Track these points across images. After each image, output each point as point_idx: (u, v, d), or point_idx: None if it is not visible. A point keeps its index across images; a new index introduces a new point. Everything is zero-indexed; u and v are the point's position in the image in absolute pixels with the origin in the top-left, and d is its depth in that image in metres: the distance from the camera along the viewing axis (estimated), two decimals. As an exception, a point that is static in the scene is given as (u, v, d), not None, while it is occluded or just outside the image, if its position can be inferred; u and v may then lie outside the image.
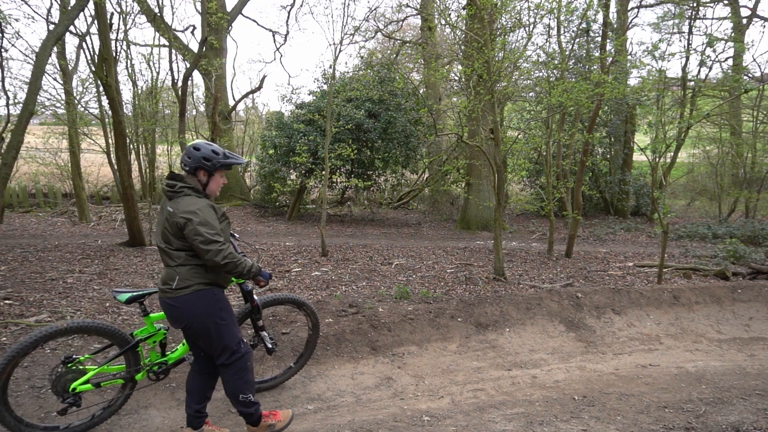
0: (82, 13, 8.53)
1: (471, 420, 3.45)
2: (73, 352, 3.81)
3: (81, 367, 3.07)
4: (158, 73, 15.92)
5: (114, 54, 8.48)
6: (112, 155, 10.82)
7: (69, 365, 3.04)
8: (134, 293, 3.17)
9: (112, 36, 8.53)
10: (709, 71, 8.07)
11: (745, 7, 14.04)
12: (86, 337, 4.02)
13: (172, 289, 2.86)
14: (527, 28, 7.21)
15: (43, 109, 12.37)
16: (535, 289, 6.19)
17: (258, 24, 45.54)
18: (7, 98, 9.52)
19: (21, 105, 6.61)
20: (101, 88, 10.33)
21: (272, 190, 12.50)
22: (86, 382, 3.05)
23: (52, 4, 13.85)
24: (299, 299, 3.88)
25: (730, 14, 13.32)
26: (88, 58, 11.89)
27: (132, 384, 3.27)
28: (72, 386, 3.00)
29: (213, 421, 3.36)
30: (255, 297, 3.49)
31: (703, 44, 6.16)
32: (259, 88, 14.42)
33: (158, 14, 9.93)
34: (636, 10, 13.99)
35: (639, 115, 13.83)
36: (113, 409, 3.25)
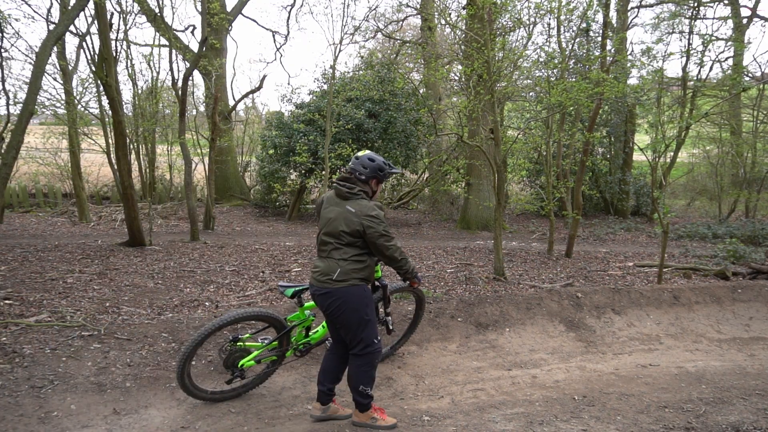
0: (82, 13, 8.54)
1: (471, 420, 3.45)
2: (238, 333, 4.13)
3: (244, 345, 3.61)
4: (158, 73, 15.96)
5: (114, 54, 8.49)
6: (112, 155, 10.83)
7: (236, 344, 3.59)
8: (296, 288, 3.68)
9: (112, 36, 8.53)
10: (710, 71, 8.08)
11: (745, 7, 14.06)
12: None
13: (332, 280, 3.17)
14: (527, 28, 7.21)
15: (43, 109, 12.37)
16: (535, 289, 6.19)
17: (258, 24, 45.60)
18: (7, 98, 9.52)
19: (21, 105, 6.61)
20: (101, 88, 10.35)
21: (272, 190, 12.51)
22: (251, 359, 3.62)
23: (52, 4, 13.86)
24: (419, 291, 4.39)
25: (730, 14, 13.32)
26: (88, 58, 11.91)
27: (281, 360, 3.85)
28: (241, 363, 3.58)
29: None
30: (389, 288, 3.99)
31: (702, 44, 6.16)
32: (259, 88, 14.37)
33: (158, 14, 9.93)
34: (636, 10, 14.01)
35: (639, 116, 13.84)
36: (260, 381, 3.83)
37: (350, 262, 3.19)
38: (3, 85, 9.40)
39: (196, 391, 3.53)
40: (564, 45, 8.37)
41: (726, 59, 10.99)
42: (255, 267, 7.28)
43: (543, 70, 8.43)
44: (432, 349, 4.69)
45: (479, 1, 6.26)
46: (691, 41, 8.68)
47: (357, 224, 3.13)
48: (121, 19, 10.64)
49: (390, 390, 3.98)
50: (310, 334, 3.88)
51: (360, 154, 3.34)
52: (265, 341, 3.72)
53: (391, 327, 4.15)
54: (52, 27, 9.88)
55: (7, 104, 9.59)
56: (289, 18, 18.38)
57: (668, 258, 8.30)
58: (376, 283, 3.87)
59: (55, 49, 9.94)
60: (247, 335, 3.76)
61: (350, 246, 3.19)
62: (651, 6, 14.03)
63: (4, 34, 9.12)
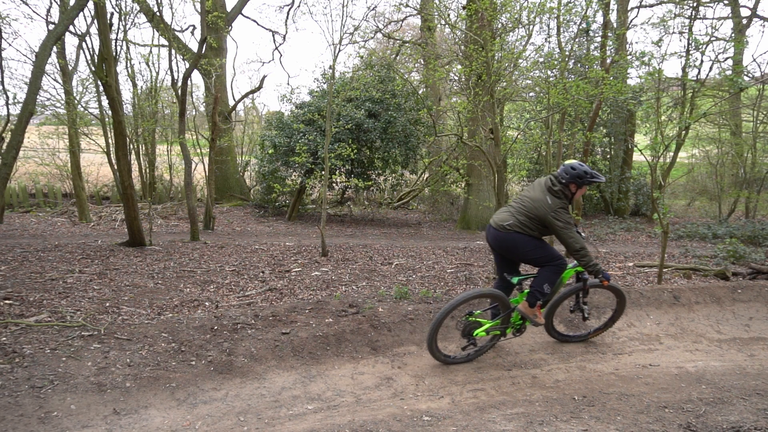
0: (81, 13, 8.52)
1: (471, 420, 3.45)
2: (472, 309, 4.60)
3: (476, 319, 4.34)
4: (158, 73, 15.90)
5: (114, 54, 8.48)
6: (112, 155, 10.82)
7: (470, 318, 4.32)
8: (522, 276, 4.37)
9: (112, 36, 8.52)
10: (710, 71, 8.06)
11: (745, 7, 14.06)
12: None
13: (503, 227, 4.19)
14: (527, 28, 7.21)
15: (42, 109, 12.36)
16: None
17: (258, 24, 45.48)
18: (7, 98, 9.51)
19: (21, 105, 6.61)
20: (101, 88, 10.33)
21: (272, 190, 12.50)
22: (483, 330, 4.33)
23: (51, 3, 13.83)
24: (616, 287, 4.73)
25: (730, 14, 13.32)
26: (88, 58, 11.89)
27: (503, 335, 4.50)
28: (475, 332, 4.32)
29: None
30: (588, 282, 4.52)
31: (696, 48, 6.15)
32: (259, 88, 14.36)
33: (157, 14, 9.92)
34: (636, 10, 14.01)
35: (638, 117, 13.83)
36: (485, 350, 4.48)
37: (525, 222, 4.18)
38: (3, 85, 9.40)
39: (440, 356, 4.29)
40: (563, 45, 8.37)
41: (726, 59, 10.98)
42: (255, 267, 7.28)
43: (542, 71, 8.44)
44: (432, 349, 4.69)
45: (479, 1, 6.26)
46: (690, 41, 8.67)
47: (544, 214, 4.05)
48: (121, 19, 10.63)
49: (390, 390, 3.98)
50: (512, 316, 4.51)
51: (566, 162, 4.17)
52: (493, 317, 4.45)
53: (586, 315, 4.63)
54: (51, 27, 9.89)
55: (7, 104, 9.58)
56: (287, 18, 18.33)
57: (668, 258, 8.30)
58: (579, 276, 4.54)
59: (54, 49, 9.94)
60: (478, 312, 4.40)
61: (530, 219, 4.15)
62: (651, 6, 14.03)
63: (2, 34, 9.10)
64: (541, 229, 4.17)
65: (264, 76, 16.15)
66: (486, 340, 4.50)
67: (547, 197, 4.07)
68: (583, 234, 4.48)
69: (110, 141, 11.33)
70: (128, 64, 12.61)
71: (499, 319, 4.39)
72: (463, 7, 10.10)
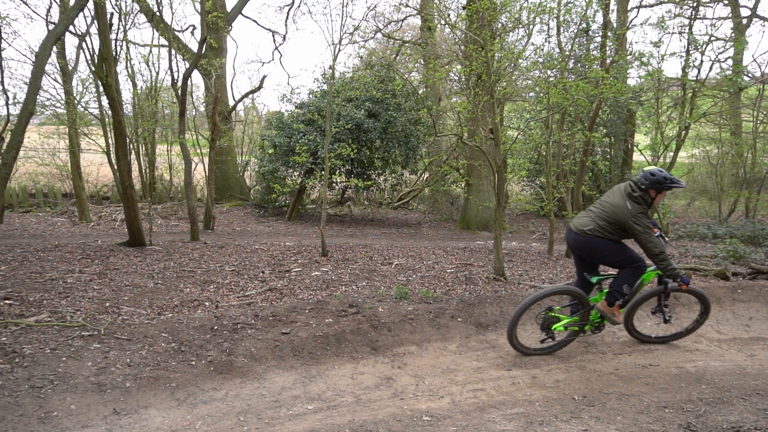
0: (81, 13, 8.52)
1: (471, 420, 3.45)
2: (552, 304, 4.84)
3: (555, 315, 4.56)
4: (158, 73, 15.91)
5: (114, 54, 8.48)
6: (112, 155, 10.82)
7: (550, 313, 4.54)
8: (601, 276, 4.56)
9: (112, 36, 8.52)
10: (710, 71, 8.07)
11: (745, 7, 14.06)
12: (560, 296, 5.19)
13: (584, 232, 4.38)
14: (527, 28, 7.21)
15: (42, 109, 12.36)
16: (535, 289, 6.19)
17: (258, 24, 45.48)
18: (7, 98, 9.51)
19: (21, 105, 6.61)
20: (101, 88, 10.33)
21: (272, 190, 12.50)
22: (561, 325, 4.56)
23: (51, 3, 13.83)
24: (697, 290, 4.81)
25: (730, 14, 13.32)
26: (88, 58, 11.89)
27: (579, 332, 4.65)
28: (554, 327, 4.55)
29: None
30: (669, 285, 4.61)
31: (695, 48, 6.16)
32: (259, 88, 14.36)
33: (157, 14, 9.93)
34: (636, 10, 14.00)
35: (638, 117, 13.83)
36: (562, 345, 4.68)
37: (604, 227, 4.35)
38: (2, 85, 9.40)
39: (520, 348, 4.55)
40: (563, 45, 8.37)
41: (726, 59, 10.99)
42: (255, 267, 7.28)
43: (542, 71, 8.43)
44: (432, 349, 4.69)
45: (479, 1, 6.26)
46: (690, 42, 8.68)
47: (624, 219, 4.20)
48: (121, 19, 10.63)
49: (390, 390, 3.98)
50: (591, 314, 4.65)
51: (646, 168, 4.33)
52: (572, 314, 4.63)
53: (667, 317, 4.70)
54: (51, 27, 9.88)
55: (7, 104, 9.58)
56: (287, 18, 18.34)
57: (668, 258, 8.28)
58: (661, 279, 4.64)
59: (54, 48, 9.94)
60: (558, 308, 4.61)
61: (609, 224, 4.31)
62: (651, 6, 14.02)
63: (1, 34, 9.10)
64: (620, 233, 4.33)
65: (264, 76, 16.16)
66: (564, 335, 4.69)
67: (627, 203, 4.24)
68: (666, 239, 4.65)
69: (110, 141, 11.33)
70: (128, 64, 12.62)
71: (577, 315, 4.59)
72: (463, 7, 10.10)
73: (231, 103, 15.71)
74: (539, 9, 6.77)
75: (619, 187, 4.44)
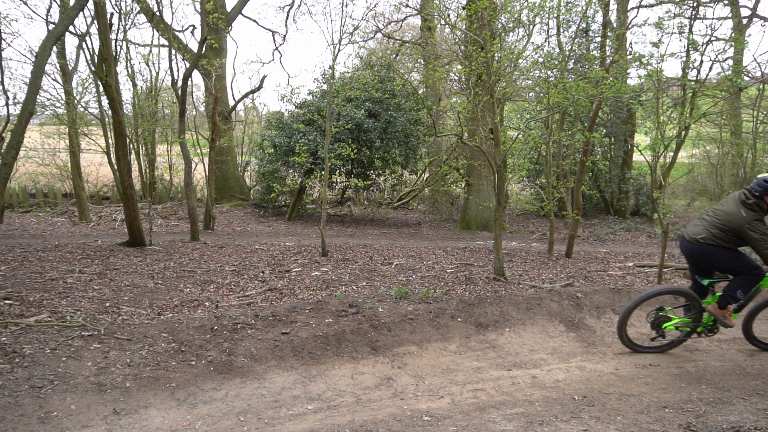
0: (81, 13, 8.52)
1: (471, 420, 3.45)
2: (662, 304, 4.91)
3: (665, 314, 4.65)
4: (158, 73, 15.90)
5: (114, 54, 8.48)
6: (112, 155, 10.81)
7: (661, 312, 4.64)
8: (712, 280, 4.56)
9: (112, 36, 8.52)
10: (710, 71, 8.05)
11: (745, 7, 14.06)
12: (671, 296, 5.30)
13: (696, 240, 4.44)
14: (527, 28, 7.21)
15: (42, 109, 12.35)
16: (535, 289, 6.19)
17: (258, 24, 45.45)
18: (7, 98, 9.50)
19: (21, 105, 6.61)
20: (101, 88, 10.33)
21: (272, 190, 12.51)
22: (672, 325, 4.64)
23: (51, 3, 13.82)
24: None
25: (730, 14, 13.32)
26: (88, 58, 11.89)
27: (691, 333, 4.68)
28: (664, 326, 4.65)
29: None
30: None
31: (693, 48, 6.15)
32: (259, 88, 14.36)
33: (157, 14, 9.92)
34: (636, 10, 14.01)
35: (638, 117, 13.82)
36: (674, 345, 4.72)
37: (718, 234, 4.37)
38: (2, 85, 9.39)
39: (631, 344, 4.65)
40: (563, 45, 8.37)
41: (725, 59, 10.99)
42: (255, 267, 7.28)
43: (542, 71, 8.43)
44: (432, 349, 4.69)
45: (479, 1, 6.26)
46: (690, 43, 8.66)
47: (739, 226, 4.21)
48: (121, 19, 10.62)
49: (390, 390, 3.98)
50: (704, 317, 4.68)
51: (760, 175, 4.26)
52: (685, 314, 4.67)
53: None
54: (51, 27, 9.88)
55: (7, 104, 9.57)
56: (287, 18, 18.36)
57: (668, 258, 8.30)
58: None
59: (54, 49, 9.94)
60: (669, 308, 4.70)
61: (723, 232, 4.33)
62: (651, 6, 14.02)
63: (1, 35, 9.09)
64: (735, 240, 4.34)
65: (264, 76, 16.15)
66: (675, 335, 4.74)
67: (741, 210, 4.25)
68: None
69: (110, 141, 11.32)
70: (128, 64, 12.61)
71: (689, 317, 4.64)
72: (463, 7, 10.10)
73: (231, 103, 15.72)
74: (539, 9, 6.77)
75: (733, 195, 4.45)
